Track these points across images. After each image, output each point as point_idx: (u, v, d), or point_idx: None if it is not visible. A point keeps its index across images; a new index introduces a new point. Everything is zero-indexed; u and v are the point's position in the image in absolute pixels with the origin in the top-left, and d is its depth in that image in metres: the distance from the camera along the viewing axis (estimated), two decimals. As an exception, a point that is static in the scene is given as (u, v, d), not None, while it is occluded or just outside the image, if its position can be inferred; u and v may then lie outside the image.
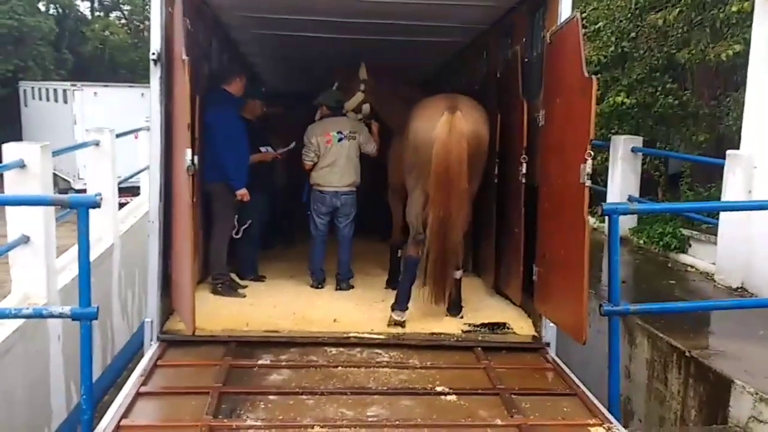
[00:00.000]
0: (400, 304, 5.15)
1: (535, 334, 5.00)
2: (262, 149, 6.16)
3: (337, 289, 6.01)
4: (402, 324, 5.06)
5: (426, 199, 5.08)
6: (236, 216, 5.82)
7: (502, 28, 5.98)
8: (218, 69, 6.29)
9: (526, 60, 5.33)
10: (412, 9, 5.64)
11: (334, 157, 5.99)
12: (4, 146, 5.06)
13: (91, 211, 3.71)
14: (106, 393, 6.10)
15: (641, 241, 7.72)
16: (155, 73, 4.49)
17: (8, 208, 4.95)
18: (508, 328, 5.11)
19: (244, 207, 5.78)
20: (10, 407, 4.50)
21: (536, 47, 5.25)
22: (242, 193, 5.59)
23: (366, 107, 6.13)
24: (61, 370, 5.29)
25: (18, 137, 20.22)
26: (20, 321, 4.53)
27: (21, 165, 4.94)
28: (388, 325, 5.05)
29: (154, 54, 4.45)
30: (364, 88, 6.06)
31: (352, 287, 6.07)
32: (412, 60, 8.03)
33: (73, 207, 3.80)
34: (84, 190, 15.37)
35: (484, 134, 5.13)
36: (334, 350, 4.61)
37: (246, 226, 5.88)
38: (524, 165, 5.00)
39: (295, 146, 6.36)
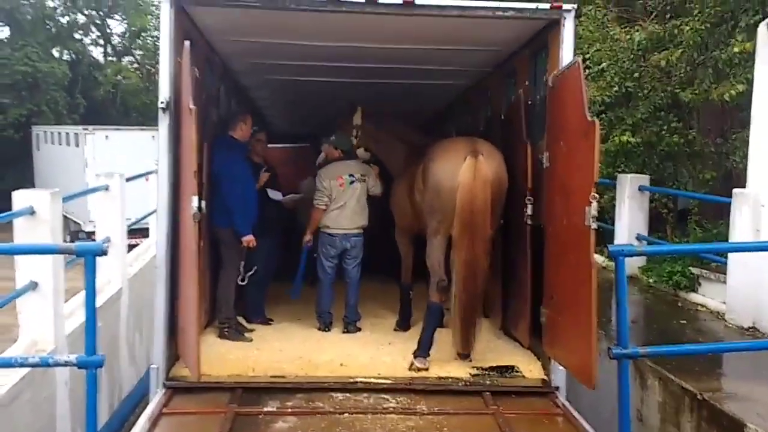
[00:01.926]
0: (423, 351, 5.11)
1: (545, 377, 4.95)
2: (270, 193, 6.20)
3: (344, 332, 5.99)
4: (425, 370, 5.02)
5: (448, 244, 5.08)
6: (242, 262, 5.83)
7: (506, 70, 6.06)
8: (226, 115, 6.39)
9: (529, 102, 5.39)
10: (417, 54, 5.74)
11: (345, 200, 6.04)
12: (15, 194, 5.12)
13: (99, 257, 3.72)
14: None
15: (651, 280, 7.66)
16: (164, 121, 4.57)
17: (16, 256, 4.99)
18: (516, 372, 5.06)
19: (251, 252, 5.80)
20: (16, 455, 4.47)
21: (539, 90, 5.31)
22: (248, 239, 5.61)
23: (361, 152, 6.21)
24: (67, 417, 5.26)
25: (30, 180, 20.50)
26: (27, 368, 4.52)
27: (31, 212, 4.99)
28: (410, 370, 5.01)
29: (162, 103, 4.53)
30: (356, 133, 6.14)
31: (360, 329, 6.04)
32: (416, 103, 8.13)
33: (80, 255, 3.82)
34: (94, 233, 15.53)
35: (505, 178, 5.15)
36: (340, 396, 4.57)
37: (251, 272, 5.88)
38: (529, 206, 5.01)
39: (302, 195, 6.45)
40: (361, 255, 6.19)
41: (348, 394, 4.58)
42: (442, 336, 5.20)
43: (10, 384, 4.35)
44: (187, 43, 4.33)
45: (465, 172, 4.86)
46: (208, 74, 5.63)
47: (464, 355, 5.23)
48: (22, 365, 4.02)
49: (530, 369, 5.07)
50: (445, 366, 5.08)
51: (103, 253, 3.72)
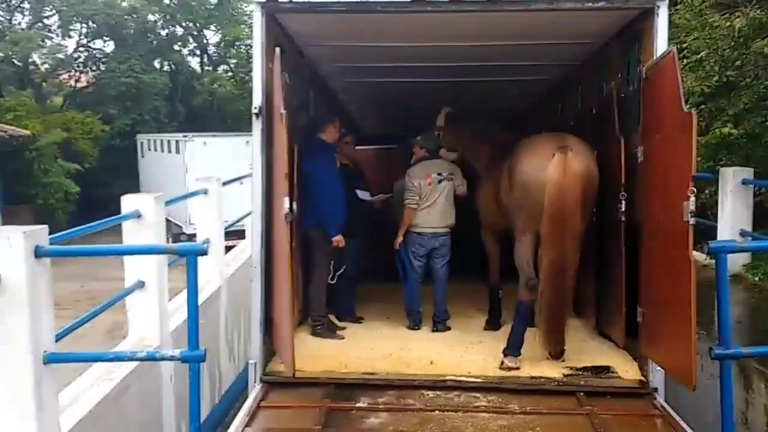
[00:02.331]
0: (513, 349, 5.07)
1: (642, 378, 4.79)
2: (359, 193, 6.31)
3: (433, 331, 6.01)
4: (516, 369, 4.98)
5: (536, 242, 5.01)
6: (332, 262, 5.96)
7: (596, 63, 5.91)
8: (315, 118, 6.55)
9: (622, 95, 5.23)
10: (503, 50, 5.69)
11: (434, 199, 6.07)
12: (123, 198, 5.44)
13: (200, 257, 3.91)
14: (213, 430, 6.33)
15: (756, 278, 7.25)
16: (257, 126, 4.74)
17: (126, 256, 5.30)
18: (612, 372, 4.93)
19: (340, 252, 5.92)
20: (126, 444, 4.75)
21: (632, 82, 5.15)
22: (337, 239, 5.73)
23: (444, 152, 6.21)
24: (172, 410, 5.53)
25: (136, 186, 21.66)
26: (136, 362, 4.80)
27: (137, 215, 5.29)
28: (501, 369, 4.98)
29: (256, 108, 4.71)
30: (440, 134, 6.15)
31: (449, 328, 6.05)
32: (503, 100, 8.05)
33: (182, 255, 4.02)
34: (194, 235, 16.23)
35: (596, 173, 5.01)
36: (431, 393, 4.59)
37: (341, 271, 6.01)
38: (623, 202, 4.87)
39: (383, 197, 6.53)
40: (449, 254, 6.20)
41: (438, 392, 4.60)
42: (533, 335, 5.14)
43: (121, 377, 4.64)
44: (277, 49, 4.48)
45: (553, 168, 4.77)
46: (297, 79, 5.79)
47: (556, 355, 5.14)
48: (131, 359, 4.28)
49: (626, 370, 4.92)
50: (537, 366, 5.01)
51: (204, 253, 3.89)
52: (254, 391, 4.59)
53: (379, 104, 8.77)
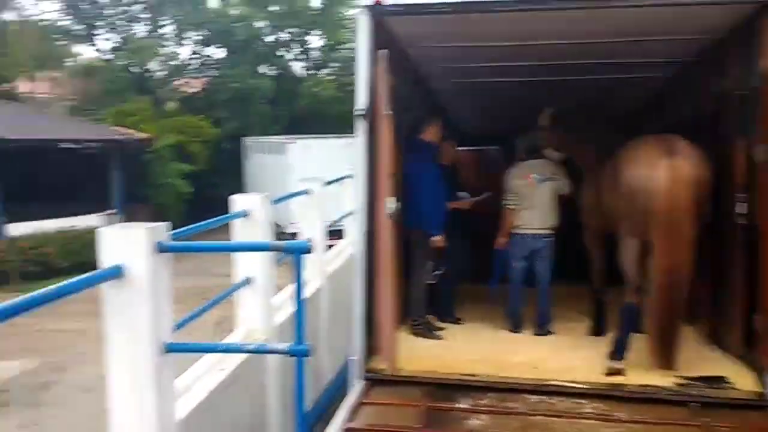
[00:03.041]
0: (618, 353, 4.93)
1: (760, 390, 4.51)
2: (460, 195, 6.31)
3: (535, 335, 5.91)
4: (621, 372, 4.83)
5: (642, 247, 4.84)
6: (432, 262, 5.98)
7: (711, 60, 5.63)
8: (416, 118, 6.59)
9: (739, 93, 4.96)
10: (612, 48, 5.52)
11: (535, 199, 5.97)
12: (232, 198, 5.69)
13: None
14: (315, 425, 6.48)
15: None
16: (361, 127, 4.83)
17: (235, 253, 5.53)
18: (727, 383, 4.67)
19: (440, 253, 5.92)
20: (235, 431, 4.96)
21: (751, 79, 4.87)
22: (438, 240, 5.74)
23: (548, 152, 6.08)
24: (277, 403, 5.73)
25: (241, 186, 22.54)
26: (245, 355, 5.00)
27: (245, 214, 5.52)
28: (607, 374, 4.84)
29: (360, 110, 4.80)
30: (544, 134, 6.02)
31: (551, 333, 5.93)
32: (610, 99, 7.79)
33: (288, 253, 4.16)
34: (295, 234, 16.69)
35: (707, 176, 4.75)
36: (533, 398, 4.52)
37: (440, 272, 6.01)
38: (742, 204, 4.61)
39: (488, 194, 6.46)
40: (551, 256, 6.08)
41: (542, 397, 4.52)
42: (642, 343, 4.95)
43: (231, 368, 4.85)
44: (383, 51, 4.54)
45: (662, 176, 4.57)
46: (400, 80, 5.85)
47: (667, 368, 4.93)
48: (241, 351, 4.47)
49: (743, 381, 4.65)
50: (646, 374, 4.81)
51: (309, 251, 4.02)
52: (356, 387, 4.67)
53: (481, 104, 8.71)
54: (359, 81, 4.84)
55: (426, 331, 5.82)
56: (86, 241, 17.70)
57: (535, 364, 5.04)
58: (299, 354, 3.91)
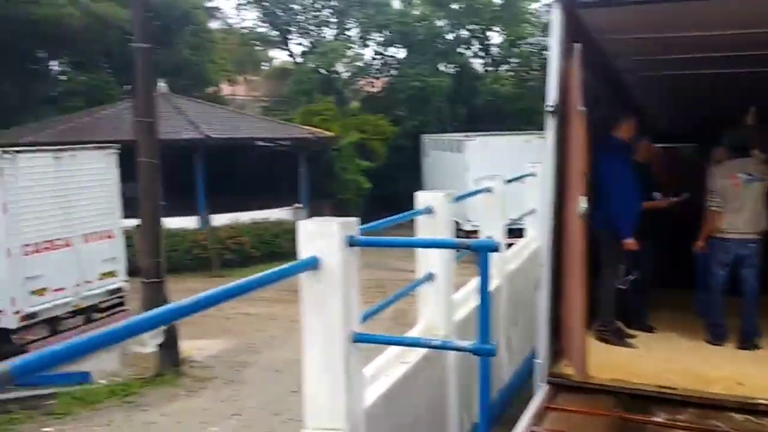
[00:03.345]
0: None
1: None
2: (655, 195, 5.92)
3: (739, 348, 5.40)
4: None
5: None
6: (622, 265, 5.67)
7: None
8: (609, 115, 6.28)
9: None
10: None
11: (742, 201, 5.46)
12: (416, 194, 5.78)
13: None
14: (491, 426, 6.42)
15: None
16: (551, 124, 4.69)
17: (418, 249, 5.63)
18: None
19: (632, 255, 5.60)
20: (416, 424, 5.05)
21: None
22: (630, 242, 5.43)
23: (755, 152, 5.51)
24: (455, 399, 5.75)
25: (419, 184, 22.95)
26: (425, 349, 5.07)
27: (429, 211, 5.59)
28: None
29: (550, 106, 4.65)
30: (750, 134, 5.46)
31: (758, 347, 5.39)
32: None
33: (475, 251, 4.13)
34: (473, 232, 16.68)
35: None
36: (739, 417, 4.13)
37: (633, 277, 5.68)
38: None
39: (687, 195, 5.99)
40: (758, 263, 5.52)
41: (749, 416, 4.13)
42: None
43: (414, 361, 4.94)
44: (577, 45, 4.38)
45: None
46: (591, 75, 5.61)
47: None
48: (426, 346, 4.53)
49: None
50: None
51: (496, 249, 3.97)
52: (540, 391, 4.55)
53: (675, 99, 8.13)
54: (550, 76, 4.70)
55: (615, 337, 5.53)
56: (276, 232, 19.02)
57: (741, 379, 4.60)
58: (484, 353, 3.88)
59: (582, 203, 4.21)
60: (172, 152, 15.00)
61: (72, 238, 11.53)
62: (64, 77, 27.05)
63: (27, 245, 10.71)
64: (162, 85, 20.39)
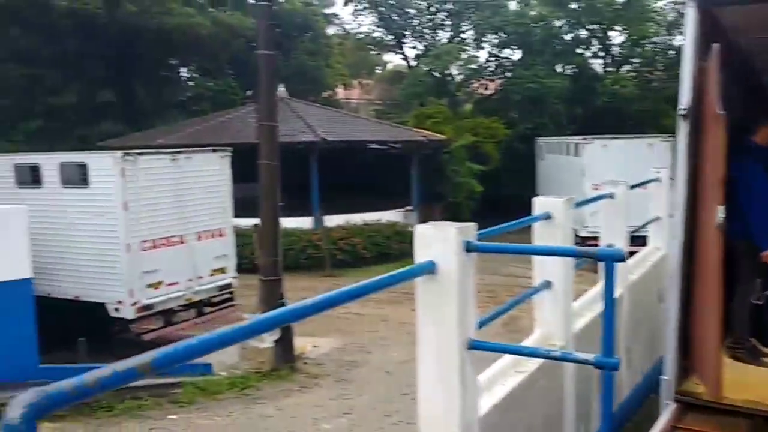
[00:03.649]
0: None
1: None
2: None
3: None
4: None
5: None
6: (760, 280, 5.26)
7: None
8: (745, 118, 5.87)
9: None
10: None
11: None
12: (534, 200, 5.63)
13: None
14: (611, 440, 6.15)
15: None
16: (683, 128, 4.43)
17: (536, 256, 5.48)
18: None
19: (770, 270, 5.20)
20: (530, 433, 4.92)
21: None
22: (767, 255, 5.04)
23: None
24: (572, 410, 5.55)
25: (532, 187, 22.48)
26: (542, 359, 4.92)
27: (547, 217, 5.42)
28: None
29: (683, 109, 4.40)
30: None
31: None
32: None
33: (599, 260, 3.98)
34: (590, 238, 16.13)
35: None
36: None
37: None
38: None
39: None
40: None
41: None
42: None
43: (530, 371, 4.81)
44: (716, 45, 4.12)
45: None
46: (729, 76, 5.27)
47: None
48: (545, 357, 4.39)
49: None
50: None
51: (623, 259, 3.80)
52: (667, 410, 4.32)
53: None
54: (683, 77, 4.45)
55: (749, 355, 5.15)
56: (388, 234, 19.23)
57: None
58: (608, 366, 3.72)
59: (720, 212, 3.95)
60: (289, 154, 15.51)
61: (186, 236, 12.22)
62: (192, 83, 28.68)
63: (144, 241, 11.47)
64: (281, 90, 21.16)
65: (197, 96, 26.66)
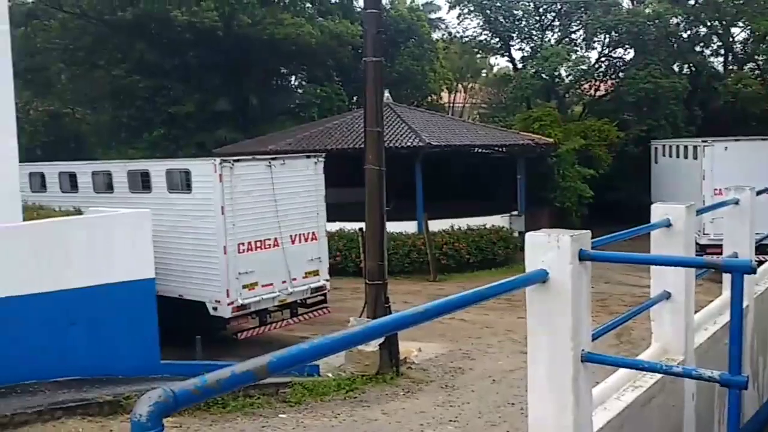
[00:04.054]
0: None
1: None
2: None
3: None
4: None
5: None
6: None
7: None
8: None
9: None
10: None
11: None
12: (653, 206, 5.35)
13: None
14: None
15: None
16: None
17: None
18: None
19: None
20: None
21: None
22: None
23: None
24: (692, 430, 5.25)
25: (644, 191, 21.55)
26: (660, 374, 4.68)
27: (667, 224, 5.15)
28: None
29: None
30: None
31: None
32: None
33: (726, 271, 3.74)
34: (710, 246, 15.26)
35: None
36: None
37: None
38: None
39: None
40: None
41: None
42: None
43: (646, 386, 4.58)
44: None
45: None
46: None
47: None
48: (665, 372, 4.17)
49: None
50: None
51: (752, 271, 3.55)
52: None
53: None
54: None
55: None
56: (492, 239, 18.98)
57: None
58: (735, 385, 3.48)
59: None
60: (394, 159, 15.64)
61: (280, 239, 12.58)
62: (300, 91, 29.55)
63: (241, 244, 11.93)
64: (386, 95, 21.39)
65: (306, 103, 27.43)
